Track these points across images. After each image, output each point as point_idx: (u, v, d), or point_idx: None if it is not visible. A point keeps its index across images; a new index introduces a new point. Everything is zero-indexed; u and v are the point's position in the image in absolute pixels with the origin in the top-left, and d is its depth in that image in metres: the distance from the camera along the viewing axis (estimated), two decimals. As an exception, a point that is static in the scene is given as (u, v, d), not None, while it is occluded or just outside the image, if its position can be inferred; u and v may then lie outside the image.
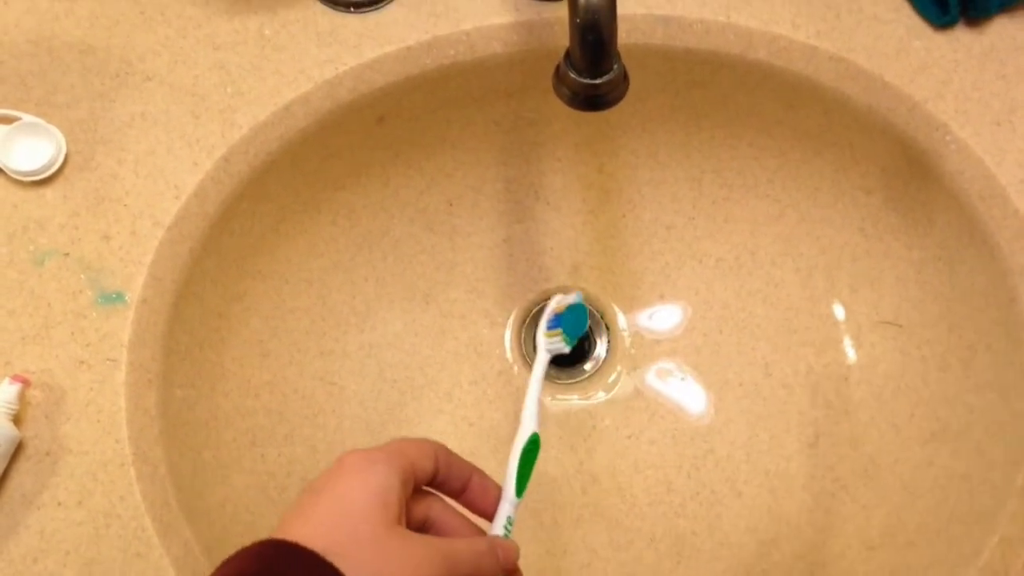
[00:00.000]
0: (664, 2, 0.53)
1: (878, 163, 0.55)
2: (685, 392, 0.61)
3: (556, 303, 0.45)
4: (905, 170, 0.54)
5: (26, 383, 0.46)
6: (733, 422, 0.59)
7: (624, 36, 0.48)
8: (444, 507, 0.39)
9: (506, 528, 0.40)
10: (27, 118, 0.49)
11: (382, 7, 0.52)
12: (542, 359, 0.44)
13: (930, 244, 0.55)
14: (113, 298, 0.48)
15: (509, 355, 0.63)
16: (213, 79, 0.51)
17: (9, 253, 0.48)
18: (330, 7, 0.52)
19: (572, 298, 0.46)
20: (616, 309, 0.63)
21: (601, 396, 0.62)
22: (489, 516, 0.40)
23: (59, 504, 0.46)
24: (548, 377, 0.61)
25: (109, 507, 0.46)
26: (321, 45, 0.52)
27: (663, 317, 0.63)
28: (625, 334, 0.63)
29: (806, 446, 0.58)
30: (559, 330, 0.44)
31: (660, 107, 0.58)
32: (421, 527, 0.38)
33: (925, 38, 0.52)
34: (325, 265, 0.60)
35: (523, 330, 0.63)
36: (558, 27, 0.53)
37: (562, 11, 0.53)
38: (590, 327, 0.64)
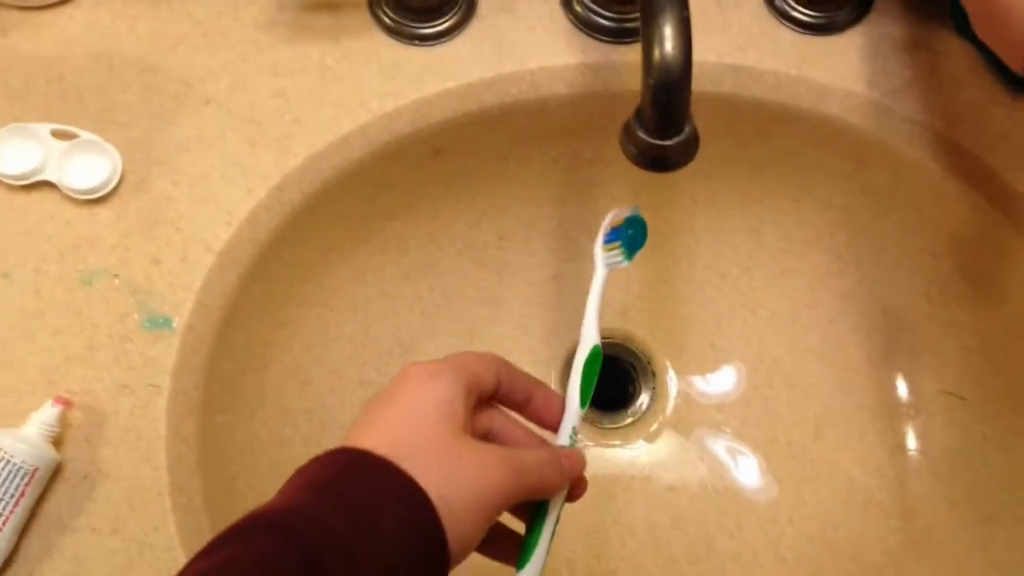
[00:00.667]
0: (735, 50, 0.51)
1: (948, 229, 0.53)
2: (730, 447, 0.59)
3: (613, 216, 0.44)
4: (977, 239, 0.52)
5: (68, 405, 0.46)
6: (780, 483, 0.58)
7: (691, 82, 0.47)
8: (506, 419, 0.39)
9: (571, 438, 0.40)
10: (85, 135, 0.49)
11: (447, 41, 0.52)
12: (600, 274, 0.43)
13: (1000, 317, 0.53)
14: (160, 323, 0.48)
15: (551, 395, 0.61)
16: (272, 106, 0.50)
17: (59, 271, 0.48)
18: (395, 39, 0.51)
19: (629, 211, 0.44)
20: (664, 356, 0.62)
21: (642, 445, 0.60)
22: (554, 428, 0.40)
23: (93, 530, 0.45)
24: (590, 421, 0.61)
25: (143, 536, 0.45)
26: (383, 77, 0.51)
27: (712, 368, 0.61)
28: (671, 382, 0.61)
29: (855, 515, 0.56)
30: (618, 243, 0.43)
31: (723, 154, 0.56)
32: (484, 439, 0.39)
33: (1006, 106, 0.50)
34: (371, 294, 0.59)
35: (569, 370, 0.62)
36: (624, 71, 0.52)
37: (630, 55, 0.51)
38: (635, 372, 0.62)
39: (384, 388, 0.36)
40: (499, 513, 0.35)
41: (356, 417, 0.36)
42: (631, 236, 0.44)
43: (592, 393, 0.41)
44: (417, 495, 0.32)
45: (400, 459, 0.32)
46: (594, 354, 0.41)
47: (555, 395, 0.40)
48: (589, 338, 0.42)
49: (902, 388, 0.57)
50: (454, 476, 0.33)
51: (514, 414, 0.40)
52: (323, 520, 0.31)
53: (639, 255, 0.44)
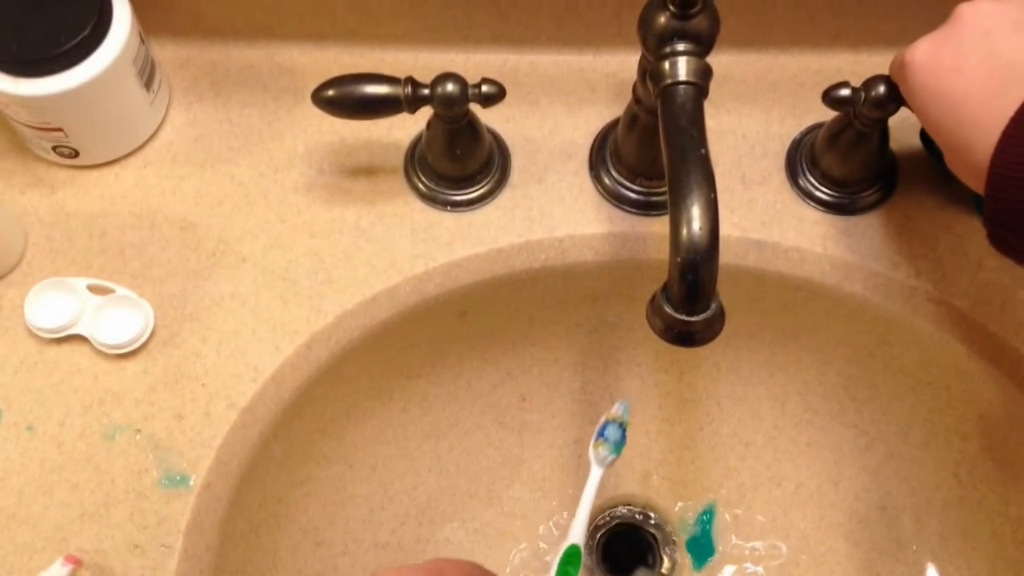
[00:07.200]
0: (760, 226, 0.52)
1: (976, 409, 0.53)
2: (755, 627, 0.57)
3: (605, 416, 0.46)
4: (1006, 421, 0.52)
5: (78, 564, 0.45)
6: (806, 669, 0.55)
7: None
8: None
9: None
10: (121, 291, 0.50)
11: (479, 208, 0.53)
12: (594, 473, 0.45)
13: (1032, 503, 0.52)
14: (177, 481, 0.47)
15: (569, 562, 0.60)
16: (305, 265, 0.52)
17: (82, 425, 0.48)
18: (428, 204, 0.53)
19: (618, 407, 0.46)
20: (685, 527, 0.60)
21: (664, 620, 0.58)
22: None
23: None
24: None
25: None
26: (415, 240, 0.52)
27: (735, 541, 0.59)
28: (693, 551, 0.59)
29: None
30: (603, 440, 0.45)
31: (747, 324, 0.57)
32: None
33: (1032, 289, 0.51)
34: (391, 452, 0.58)
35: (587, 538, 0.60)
36: (650, 242, 0.53)
37: (656, 227, 0.53)
38: (655, 540, 0.61)
39: None
40: None
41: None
42: (614, 432, 0.46)
43: None
44: None
45: None
46: (571, 554, 0.41)
47: None
48: (571, 536, 0.42)
49: (932, 572, 0.55)
50: None
51: None
52: None
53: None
